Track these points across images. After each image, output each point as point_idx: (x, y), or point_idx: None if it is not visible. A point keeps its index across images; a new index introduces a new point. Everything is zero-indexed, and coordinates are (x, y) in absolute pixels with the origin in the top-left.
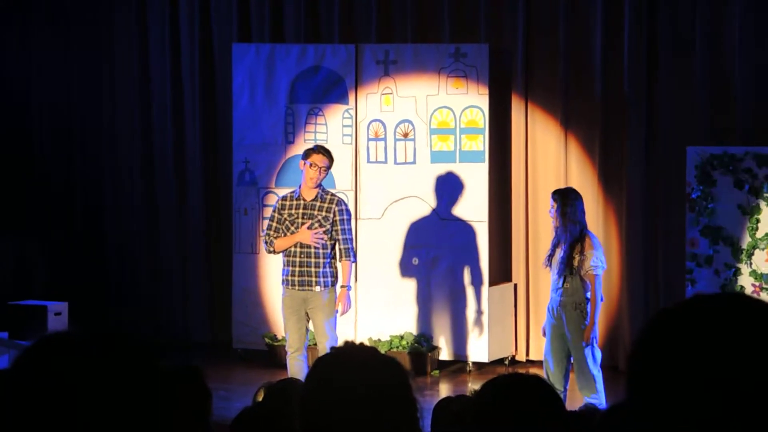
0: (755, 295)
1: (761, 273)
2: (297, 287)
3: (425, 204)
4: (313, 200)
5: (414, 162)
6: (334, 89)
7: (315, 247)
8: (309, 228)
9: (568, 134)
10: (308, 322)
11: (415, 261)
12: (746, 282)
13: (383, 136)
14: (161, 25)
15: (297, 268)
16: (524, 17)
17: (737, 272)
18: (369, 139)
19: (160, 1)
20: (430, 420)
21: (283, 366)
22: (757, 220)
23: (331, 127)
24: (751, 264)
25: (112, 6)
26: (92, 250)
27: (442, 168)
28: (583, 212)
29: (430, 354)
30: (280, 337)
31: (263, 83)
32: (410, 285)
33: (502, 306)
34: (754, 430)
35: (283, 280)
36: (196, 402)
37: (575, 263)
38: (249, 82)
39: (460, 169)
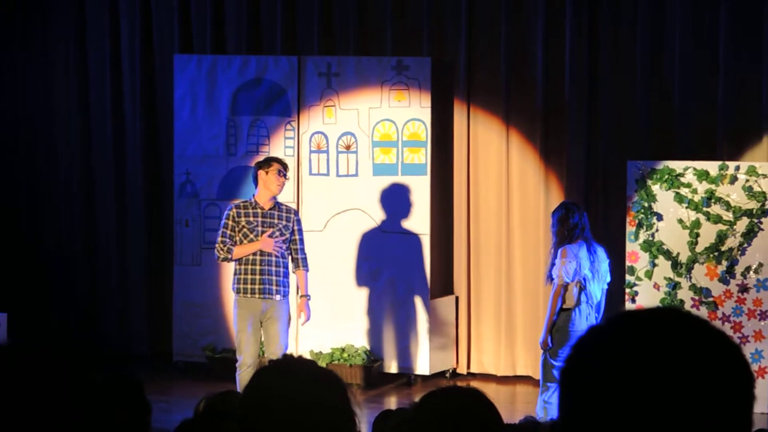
0: (694, 310)
1: (701, 287)
2: (258, 295)
3: (367, 216)
4: (271, 209)
5: (356, 174)
6: (276, 101)
7: (276, 256)
8: (270, 236)
9: (510, 133)
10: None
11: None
12: (686, 296)
13: (325, 149)
14: (101, 35)
15: (258, 276)
16: (466, 28)
17: (677, 286)
18: (311, 152)
19: (101, 12)
20: None
21: (224, 378)
22: (697, 235)
23: (273, 139)
24: (690, 278)
25: (51, 15)
26: (31, 261)
27: (385, 180)
28: (566, 227)
29: (372, 367)
30: (220, 350)
31: (205, 95)
32: (352, 297)
33: (444, 319)
34: None
35: (238, 289)
36: (135, 415)
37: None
38: (190, 93)
39: (402, 182)
